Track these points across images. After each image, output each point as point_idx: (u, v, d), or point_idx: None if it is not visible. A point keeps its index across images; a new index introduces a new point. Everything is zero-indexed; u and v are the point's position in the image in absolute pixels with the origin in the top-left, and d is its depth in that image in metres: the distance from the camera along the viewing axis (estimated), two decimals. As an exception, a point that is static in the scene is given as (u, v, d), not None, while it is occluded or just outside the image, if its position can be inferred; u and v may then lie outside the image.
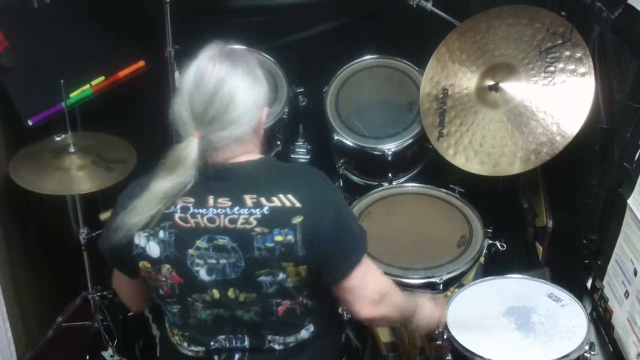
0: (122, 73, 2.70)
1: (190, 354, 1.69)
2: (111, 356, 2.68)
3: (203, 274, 1.56)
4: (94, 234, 2.58)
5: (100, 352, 2.70)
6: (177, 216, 1.55)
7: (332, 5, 2.87)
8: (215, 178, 1.55)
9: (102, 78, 2.64)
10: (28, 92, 2.47)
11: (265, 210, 1.52)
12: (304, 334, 1.67)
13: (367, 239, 1.63)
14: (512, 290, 2.03)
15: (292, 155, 2.80)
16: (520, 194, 2.77)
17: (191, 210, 1.54)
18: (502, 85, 2.42)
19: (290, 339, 1.66)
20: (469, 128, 2.45)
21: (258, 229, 1.52)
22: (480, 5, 2.53)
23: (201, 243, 1.55)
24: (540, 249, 2.61)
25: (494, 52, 2.45)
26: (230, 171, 1.56)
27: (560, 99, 2.30)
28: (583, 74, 2.27)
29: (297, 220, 1.51)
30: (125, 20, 2.73)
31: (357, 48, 2.89)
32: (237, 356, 1.66)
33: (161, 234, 1.55)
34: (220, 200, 1.54)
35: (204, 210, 1.54)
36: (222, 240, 1.54)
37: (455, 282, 2.20)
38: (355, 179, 2.75)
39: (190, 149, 1.50)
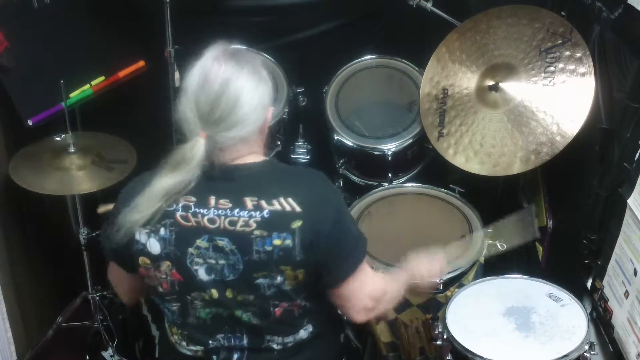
0: (122, 73, 2.70)
1: (189, 353, 1.69)
2: (111, 356, 2.68)
3: (202, 273, 1.56)
4: (94, 234, 2.58)
5: (100, 352, 2.70)
6: (178, 214, 1.55)
7: (332, 5, 2.87)
8: (219, 178, 1.55)
9: (102, 78, 2.64)
10: (28, 92, 2.47)
11: (265, 213, 1.52)
12: (303, 334, 1.67)
13: (366, 244, 1.63)
14: (512, 290, 2.03)
15: (292, 155, 2.79)
16: (520, 194, 2.77)
17: (192, 209, 1.55)
18: (502, 85, 2.42)
19: (289, 339, 1.66)
20: (469, 128, 2.45)
21: (257, 232, 1.52)
22: (480, 5, 2.53)
23: (201, 242, 1.55)
24: (540, 249, 2.61)
25: (494, 52, 2.45)
26: (235, 172, 1.56)
27: (560, 99, 2.30)
28: (583, 74, 2.26)
29: (297, 224, 1.51)
30: (125, 21, 2.73)
31: (357, 48, 2.88)
32: (235, 356, 1.66)
33: (162, 231, 1.55)
34: (221, 201, 1.54)
35: (205, 210, 1.54)
36: (222, 242, 1.54)
37: (455, 282, 2.20)
38: (355, 179, 2.75)
39: (196, 149, 1.50)
